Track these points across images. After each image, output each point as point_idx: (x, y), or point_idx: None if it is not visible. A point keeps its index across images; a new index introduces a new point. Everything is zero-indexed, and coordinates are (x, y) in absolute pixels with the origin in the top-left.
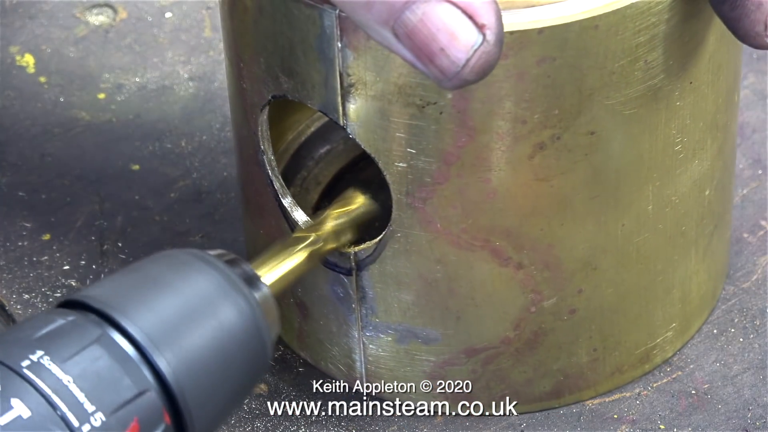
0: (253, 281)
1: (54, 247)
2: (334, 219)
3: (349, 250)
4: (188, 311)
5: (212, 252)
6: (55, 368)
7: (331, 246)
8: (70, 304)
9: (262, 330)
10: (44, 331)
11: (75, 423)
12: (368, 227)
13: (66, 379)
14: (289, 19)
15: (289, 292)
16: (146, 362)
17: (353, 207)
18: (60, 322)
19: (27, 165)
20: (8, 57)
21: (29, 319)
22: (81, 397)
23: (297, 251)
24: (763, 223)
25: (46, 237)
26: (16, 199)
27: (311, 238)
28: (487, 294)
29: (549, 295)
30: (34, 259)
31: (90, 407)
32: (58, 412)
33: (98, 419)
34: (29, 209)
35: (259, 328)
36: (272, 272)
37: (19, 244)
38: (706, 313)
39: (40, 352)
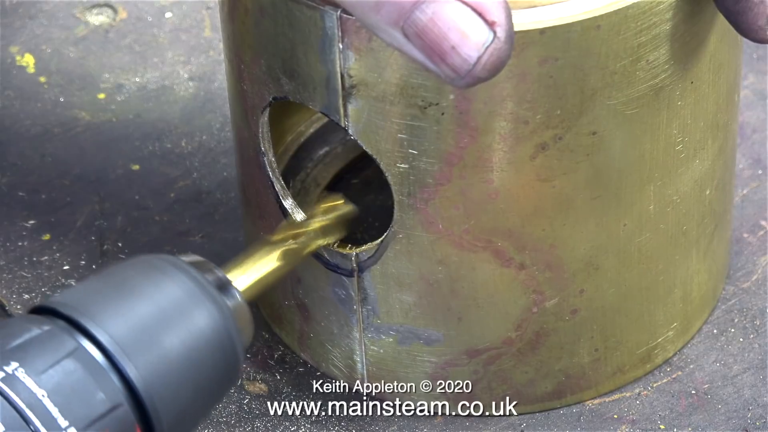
0: (225, 287)
1: (54, 247)
2: (309, 221)
3: (351, 251)
4: (159, 318)
5: (185, 258)
6: (29, 381)
7: (309, 249)
8: (41, 310)
9: (234, 336)
10: (19, 341)
11: None
12: (349, 229)
13: (40, 393)
14: (291, 21)
15: (290, 294)
16: (115, 370)
17: (332, 210)
18: (35, 332)
19: (27, 165)
20: (8, 57)
21: (2, 326)
22: (54, 412)
23: (272, 255)
24: (763, 223)
25: (46, 237)
26: (16, 199)
27: (288, 242)
28: (489, 295)
29: (551, 295)
30: (34, 259)
31: (63, 422)
32: (32, 427)
33: None
34: (29, 209)
35: (230, 334)
36: (246, 277)
37: (19, 244)
38: (706, 313)
39: (14, 364)
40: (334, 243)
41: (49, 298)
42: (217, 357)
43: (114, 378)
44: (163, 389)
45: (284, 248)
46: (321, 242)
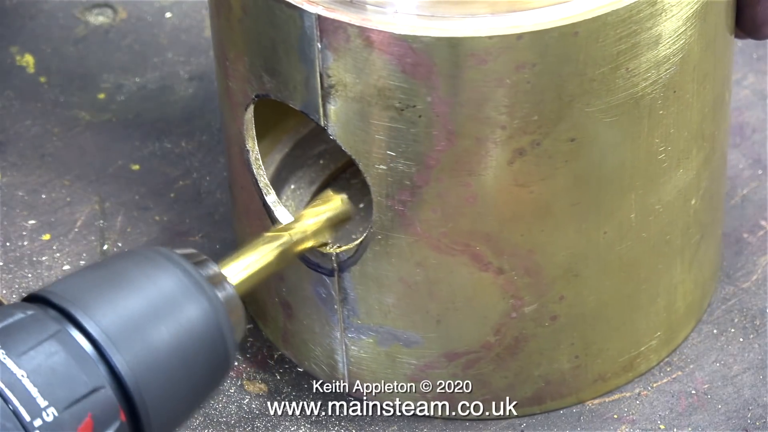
0: (218, 281)
1: (54, 247)
2: (307, 219)
3: (331, 250)
4: (149, 310)
5: (179, 251)
6: (9, 362)
7: (303, 246)
8: (34, 299)
9: (225, 331)
10: (1, 325)
11: (27, 418)
12: (344, 227)
13: (20, 373)
14: (271, 19)
15: (274, 291)
16: (103, 360)
17: (328, 208)
18: (19, 316)
19: (27, 165)
20: (8, 57)
21: None
22: (34, 392)
23: (267, 250)
24: (763, 223)
25: (46, 237)
26: (16, 199)
27: (283, 238)
28: (468, 298)
29: (530, 301)
30: (34, 259)
31: (43, 402)
32: (10, 407)
33: (51, 414)
34: (29, 209)
35: (221, 329)
36: (241, 271)
37: (19, 244)
38: (693, 323)
39: None
40: (327, 243)
41: (43, 287)
42: (207, 350)
43: (102, 368)
44: (150, 380)
45: (279, 244)
46: (316, 239)
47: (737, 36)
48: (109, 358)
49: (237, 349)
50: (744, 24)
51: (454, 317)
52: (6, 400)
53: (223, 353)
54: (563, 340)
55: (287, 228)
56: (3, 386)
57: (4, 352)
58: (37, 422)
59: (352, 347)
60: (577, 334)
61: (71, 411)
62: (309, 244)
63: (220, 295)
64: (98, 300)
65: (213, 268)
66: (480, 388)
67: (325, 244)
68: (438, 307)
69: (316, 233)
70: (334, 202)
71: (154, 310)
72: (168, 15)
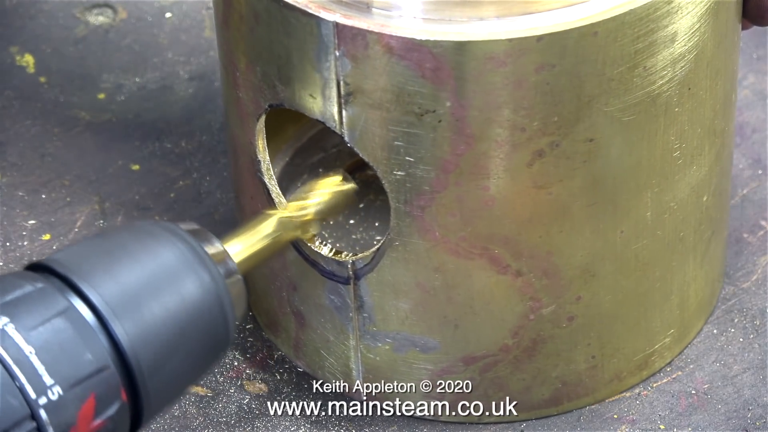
0: (221, 257)
1: (54, 247)
2: (310, 200)
3: (347, 258)
4: (151, 282)
5: (183, 225)
6: (18, 337)
7: (306, 227)
8: (37, 267)
9: (226, 306)
10: (11, 297)
11: (32, 395)
12: (345, 209)
13: (28, 350)
14: (286, 28)
15: (286, 301)
16: (104, 330)
17: (330, 189)
18: (28, 289)
19: (27, 165)
20: (8, 57)
21: None
22: (41, 369)
23: (271, 229)
24: (763, 223)
25: (46, 237)
26: (16, 199)
27: (285, 216)
28: (486, 302)
29: (548, 302)
30: (34, 259)
31: (49, 380)
32: (17, 383)
33: (56, 393)
34: (29, 209)
35: (222, 304)
36: (243, 249)
37: (19, 244)
38: (703, 320)
39: (5, 319)
40: (325, 223)
41: (46, 256)
42: (207, 325)
43: (102, 338)
44: (149, 352)
45: (282, 223)
46: (318, 223)
47: (743, 26)
48: (111, 329)
49: (235, 326)
50: (749, 12)
51: (472, 321)
52: (13, 377)
53: (223, 328)
54: (580, 341)
55: (289, 207)
56: (11, 362)
57: (14, 326)
58: (42, 400)
59: (368, 354)
60: (594, 334)
61: (75, 390)
62: (312, 225)
63: (222, 271)
64: (101, 271)
65: (216, 245)
66: (497, 391)
67: (339, 252)
68: (456, 312)
69: (319, 214)
70: (338, 185)
71: (155, 282)
72: (168, 15)
